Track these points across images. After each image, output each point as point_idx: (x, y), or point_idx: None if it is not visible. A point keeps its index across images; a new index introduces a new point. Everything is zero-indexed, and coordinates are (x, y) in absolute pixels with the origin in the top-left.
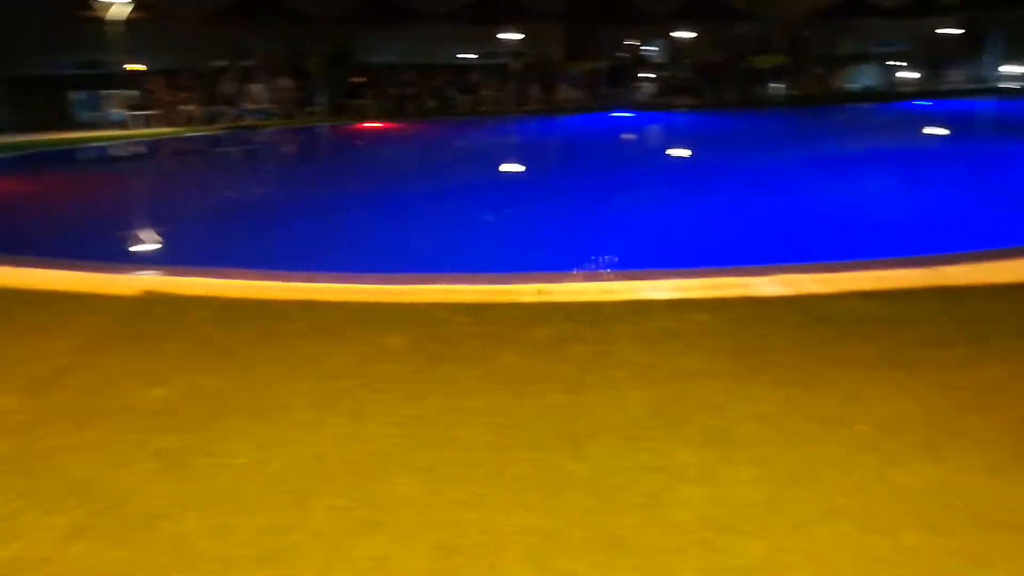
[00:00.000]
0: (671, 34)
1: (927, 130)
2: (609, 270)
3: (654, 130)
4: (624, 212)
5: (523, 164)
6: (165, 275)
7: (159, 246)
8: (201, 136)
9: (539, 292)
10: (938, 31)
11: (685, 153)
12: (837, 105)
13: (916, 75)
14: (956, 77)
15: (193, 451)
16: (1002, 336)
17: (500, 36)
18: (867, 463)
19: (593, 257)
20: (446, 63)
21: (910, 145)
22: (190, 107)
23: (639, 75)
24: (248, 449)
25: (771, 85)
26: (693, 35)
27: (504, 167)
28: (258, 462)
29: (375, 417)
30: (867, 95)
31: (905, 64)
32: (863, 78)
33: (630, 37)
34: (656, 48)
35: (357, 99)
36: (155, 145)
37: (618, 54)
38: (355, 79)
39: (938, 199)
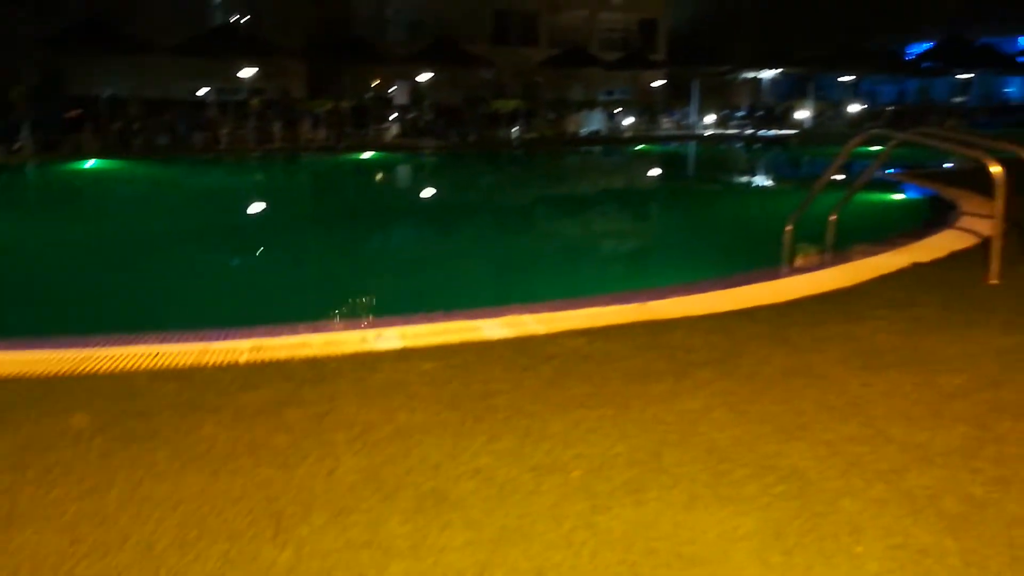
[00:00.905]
0: (415, 77)
1: (640, 172)
2: (335, 320)
3: (392, 172)
4: (353, 257)
5: (250, 207)
6: None
7: None
8: None
9: (255, 348)
10: (653, 84)
11: (421, 195)
12: (567, 149)
13: (633, 121)
14: (668, 124)
15: None
16: (699, 368)
17: (239, 72)
18: (577, 511)
19: (317, 307)
20: (181, 98)
21: (626, 186)
22: None
23: (383, 116)
24: None
25: (509, 128)
26: (433, 77)
27: (228, 210)
28: None
29: (35, 522)
30: (595, 139)
31: (622, 111)
32: (591, 123)
33: (374, 78)
34: (400, 90)
35: (73, 134)
36: None
37: (365, 95)
38: (70, 112)
39: (646, 236)
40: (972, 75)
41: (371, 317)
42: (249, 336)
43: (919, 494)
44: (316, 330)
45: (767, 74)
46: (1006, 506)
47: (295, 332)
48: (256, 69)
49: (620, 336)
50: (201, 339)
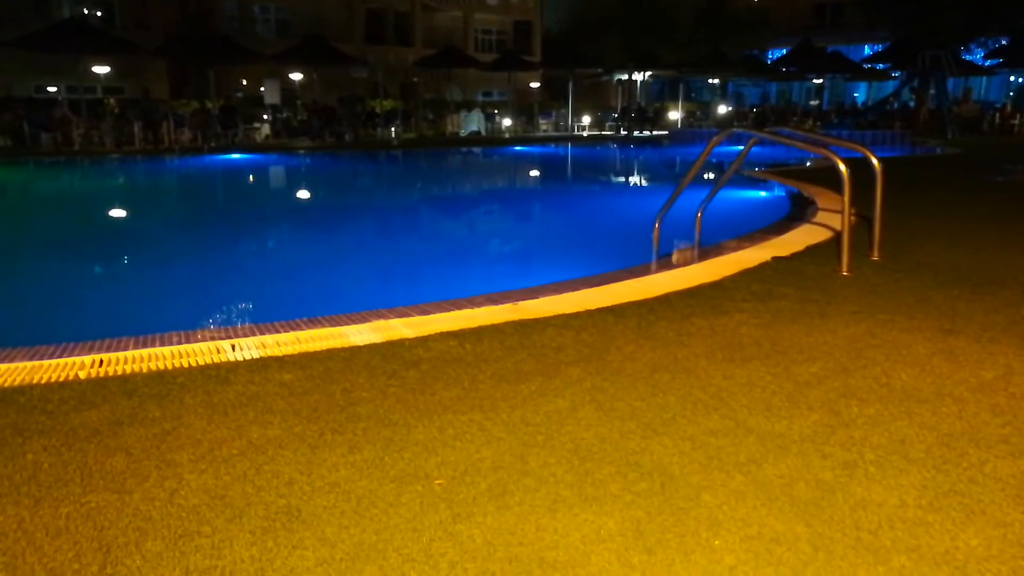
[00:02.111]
0: (287, 76)
1: (518, 172)
2: (188, 330)
3: (262, 173)
4: (213, 264)
5: (103, 212)
6: None
7: None
8: None
9: (97, 363)
10: (530, 85)
11: (293, 196)
12: (447, 149)
13: (511, 123)
14: (546, 125)
15: None
16: (568, 367)
17: (92, 69)
18: (437, 521)
19: (170, 316)
20: (25, 96)
21: (503, 186)
22: None
23: (254, 116)
24: None
25: (387, 128)
26: (306, 77)
27: (76, 216)
28: None
29: None
30: (474, 140)
31: (499, 112)
32: (470, 124)
33: (243, 77)
34: (270, 89)
35: None
36: None
37: (233, 94)
38: None
39: (521, 236)
40: (823, 80)
41: (228, 326)
42: (90, 351)
43: (775, 483)
44: (165, 342)
45: (639, 76)
46: (852, 489)
47: (143, 344)
48: (108, 67)
49: (491, 337)
50: (33, 356)
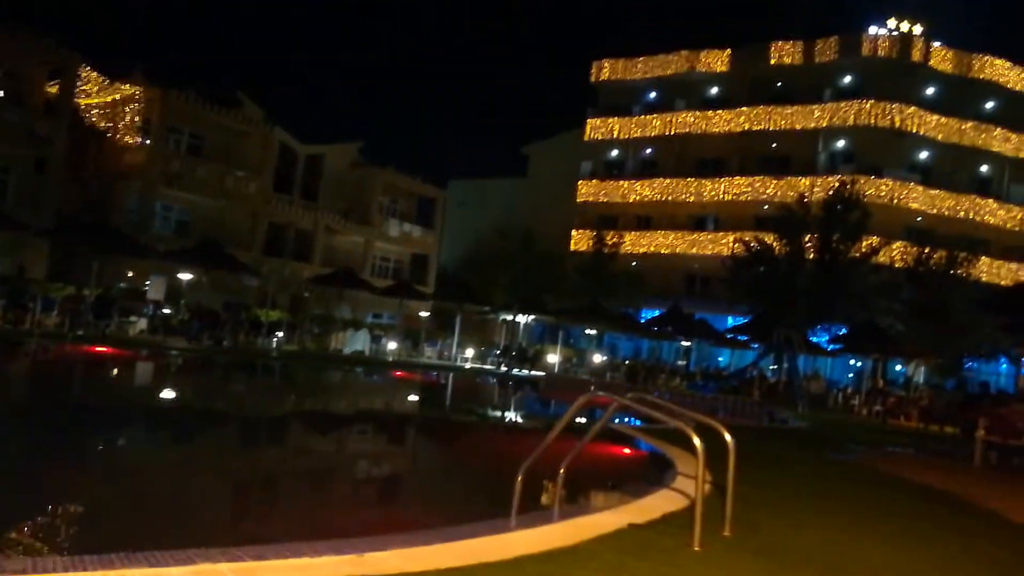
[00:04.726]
0: (176, 275)
1: (395, 398)
2: None
3: (124, 369)
4: (23, 474)
5: None
6: None
7: None
8: None
9: None
10: (420, 313)
11: (151, 399)
12: (328, 365)
13: (397, 346)
14: (430, 353)
15: None
16: None
17: None
18: None
19: None
20: None
21: (377, 413)
22: None
23: (132, 309)
24: None
25: (271, 337)
26: (195, 278)
27: None
28: None
29: None
30: (356, 359)
31: (386, 335)
32: (355, 343)
33: (130, 269)
34: (156, 285)
35: None
36: None
37: (116, 285)
38: None
39: (384, 471)
40: (690, 343)
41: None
42: None
43: None
44: None
45: (524, 318)
46: None
47: None
48: None
49: None
50: None
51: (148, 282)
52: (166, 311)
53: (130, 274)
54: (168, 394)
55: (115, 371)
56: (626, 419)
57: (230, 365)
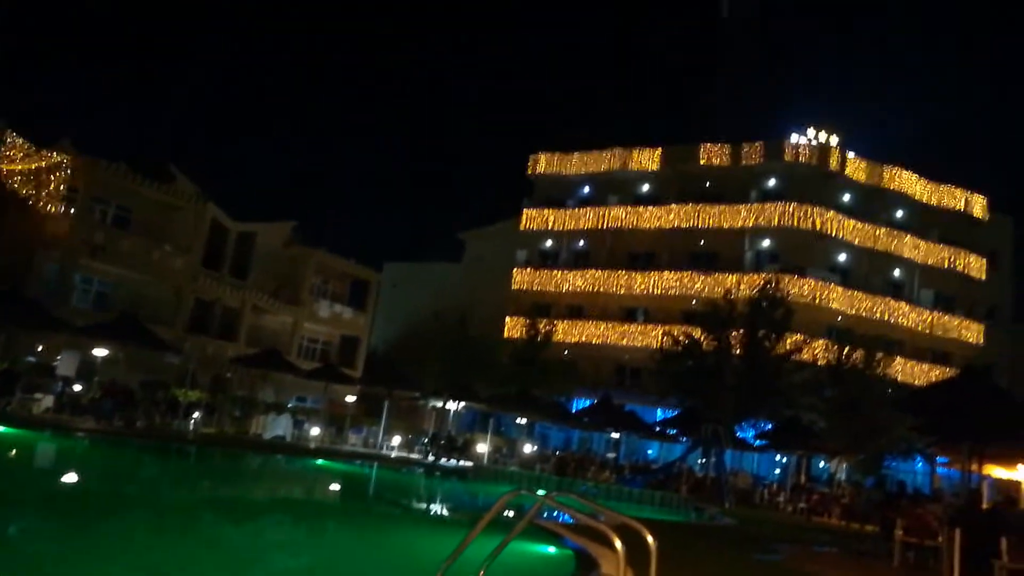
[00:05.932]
0: (91, 351)
1: (312, 490)
2: None
3: (21, 451)
4: None
5: None
6: None
7: None
8: None
9: None
10: (346, 398)
11: (46, 485)
12: (245, 450)
13: (320, 432)
14: (355, 440)
15: None
16: None
17: None
18: None
19: None
20: None
21: (293, 505)
22: None
23: (38, 385)
24: None
25: (188, 419)
26: (111, 354)
27: None
28: None
29: None
30: (277, 445)
31: (309, 420)
32: (276, 428)
33: (40, 342)
34: (67, 360)
35: None
36: None
37: (23, 358)
38: None
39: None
40: (619, 435)
41: None
42: None
43: None
44: None
45: (454, 405)
46: None
47: None
48: None
49: None
50: None
51: (59, 357)
52: (76, 388)
53: (40, 348)
54: (49, 480)
55: (10, 452)
56: (555, 513)
57: (140, 448)
